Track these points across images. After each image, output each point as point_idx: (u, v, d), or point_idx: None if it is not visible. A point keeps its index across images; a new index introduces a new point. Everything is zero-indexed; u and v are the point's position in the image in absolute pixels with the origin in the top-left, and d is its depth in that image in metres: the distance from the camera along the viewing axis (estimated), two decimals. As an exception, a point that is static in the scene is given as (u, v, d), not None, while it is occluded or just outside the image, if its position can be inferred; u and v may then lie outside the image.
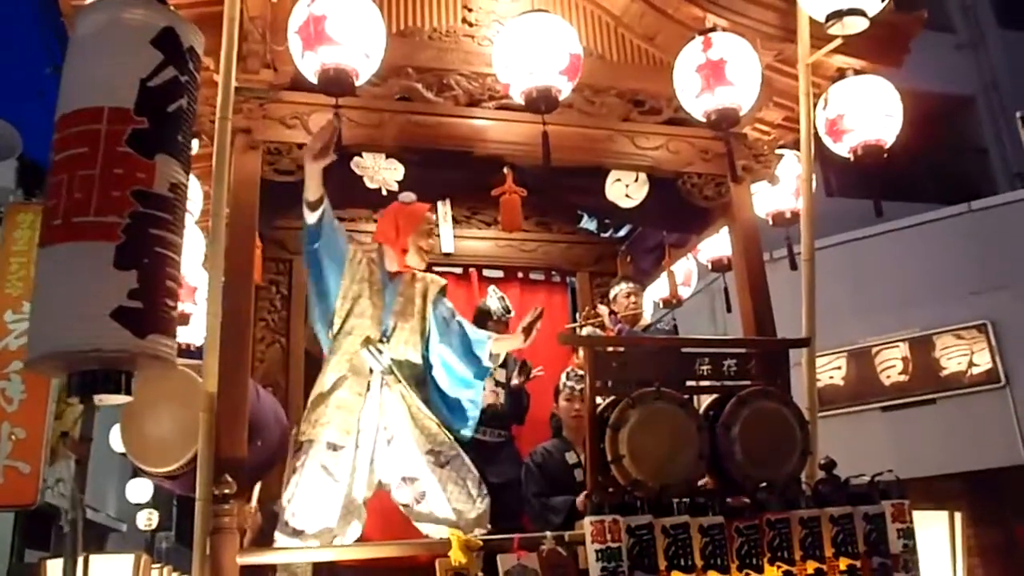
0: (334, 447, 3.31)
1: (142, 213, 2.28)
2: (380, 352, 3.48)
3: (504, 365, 4.61)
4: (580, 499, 3.67)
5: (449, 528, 3.13)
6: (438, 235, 3.72)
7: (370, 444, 3.41)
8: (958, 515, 3.63)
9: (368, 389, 3.45)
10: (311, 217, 3.38)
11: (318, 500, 3.23)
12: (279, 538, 3.22)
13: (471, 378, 3.70)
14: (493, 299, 4.63)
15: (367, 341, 3.48)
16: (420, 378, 3.63)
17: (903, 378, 8.18)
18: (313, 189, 3.33)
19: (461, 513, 3.38)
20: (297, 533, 3.19)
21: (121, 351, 2.19)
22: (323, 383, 3.45)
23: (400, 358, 3.55)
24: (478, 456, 4.40)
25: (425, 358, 3.67)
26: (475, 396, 3.73)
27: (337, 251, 3.52)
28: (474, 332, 3.78)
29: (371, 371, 3.48)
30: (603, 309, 4.86)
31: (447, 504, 3.39)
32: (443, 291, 3.83)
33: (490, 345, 3.71)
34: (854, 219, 7.93)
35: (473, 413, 3.71)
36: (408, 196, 3.75)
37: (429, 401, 3.60)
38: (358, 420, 3.40)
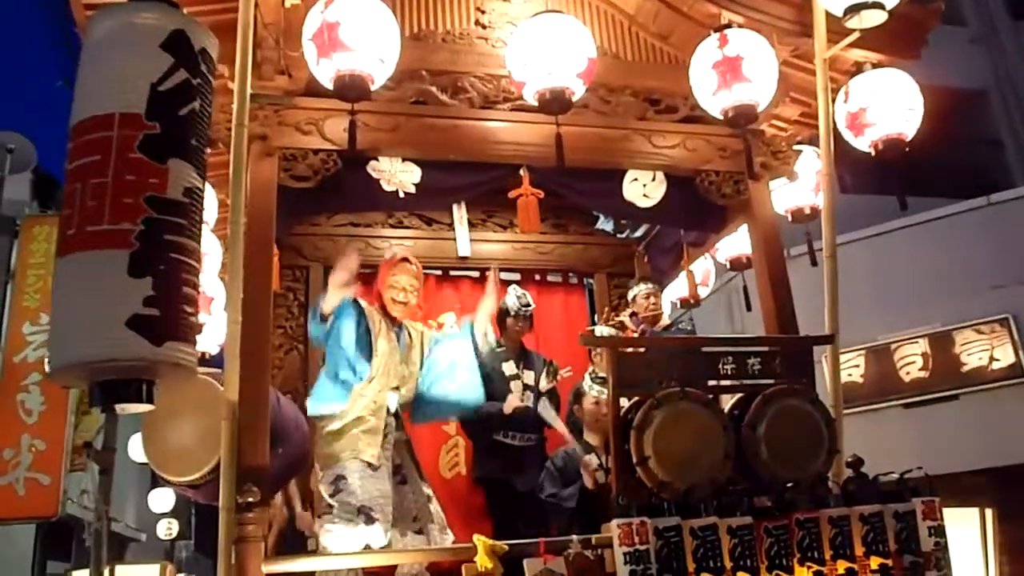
0: (371, 465, 3.48)
1: (156, 219, 2.23)
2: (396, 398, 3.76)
3: (531, 368, 4.59)
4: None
5: None
6: (404, 288, 3.88)
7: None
8: (989, 512, 3.58)
9: (385, 428, 3.64)
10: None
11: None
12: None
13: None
14: (511, 296, 4.60)
15: (390, 386, 3.74)
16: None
17: (923, 374, 8.12)
18: (329, 306, 3.60)
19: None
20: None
21: (138, 360, 2.16)
22: (345, 416, 3.58)
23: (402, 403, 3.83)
24: (505, 462, 4.37)
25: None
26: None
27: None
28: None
29: (388, 412, 3.69)
30: (624, 317, 4.81)
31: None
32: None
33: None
34: (868, 215, 7.88)
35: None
36: (389, 252, 4.06)
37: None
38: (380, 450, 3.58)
